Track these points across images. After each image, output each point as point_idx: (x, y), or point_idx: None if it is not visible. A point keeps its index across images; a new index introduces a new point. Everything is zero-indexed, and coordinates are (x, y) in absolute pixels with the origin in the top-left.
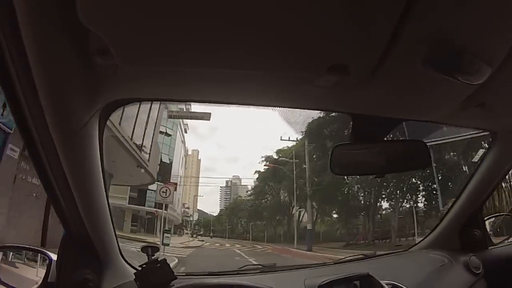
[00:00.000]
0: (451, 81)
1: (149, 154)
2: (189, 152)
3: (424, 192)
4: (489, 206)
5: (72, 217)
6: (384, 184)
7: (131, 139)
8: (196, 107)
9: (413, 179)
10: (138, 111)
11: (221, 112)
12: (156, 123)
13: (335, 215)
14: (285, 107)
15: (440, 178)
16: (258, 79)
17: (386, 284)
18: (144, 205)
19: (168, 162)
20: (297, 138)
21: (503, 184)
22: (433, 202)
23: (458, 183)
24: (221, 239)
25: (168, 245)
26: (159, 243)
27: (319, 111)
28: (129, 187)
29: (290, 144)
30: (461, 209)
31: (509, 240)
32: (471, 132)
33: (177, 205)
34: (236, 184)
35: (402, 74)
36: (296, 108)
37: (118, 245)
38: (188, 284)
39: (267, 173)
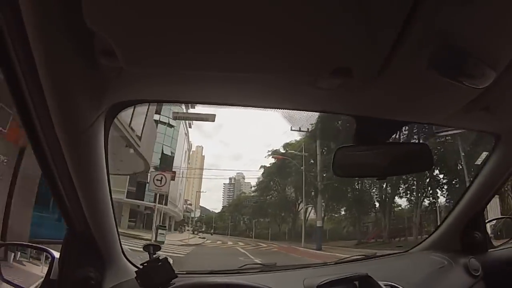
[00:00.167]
0: (455, 85)
1: (141, 132)
2: (193, 148)
3: (448, 186)
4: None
5: (76, 215)
6: (404, 177)
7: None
8: (200, 108)
9: (436, 171)
10: None
11: (226, 110)
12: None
13: (344, 212)
14: (288, 109)
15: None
16: (261, 81)
17: (384, 285)
18: (143, 200)
19: (170, 154)
20: (308, 129)
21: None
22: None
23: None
24: (222, 237)
25: (162, 243)
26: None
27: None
28: (127, 181)
29: (298, 137)
30: (463, 211)
31: (510, 243)
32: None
33: (178, 201)
34: (239, 181)
35: (406, 77)
36: (299, 110)
37: (120, 243)
38: (189, 283)
39: (273, 168)
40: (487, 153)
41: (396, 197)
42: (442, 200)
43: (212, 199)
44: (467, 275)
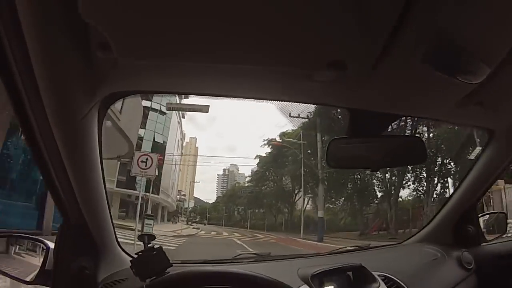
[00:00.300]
0: (449, 79)
1: (121, 106)
2: (187, 140)
3: (460, 175)
4: None
5: (70, 206)
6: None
7: None
8: (194, 99)
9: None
10: None
11: (220, 102)
12: None
13: (342, 203)
14: (283, 101)
15: None
16: (256, 73)
17: (378, 276)
18: (134, 190)
19: (161, 142)
20: (307, 116)
21: None
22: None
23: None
24: (217, 227)
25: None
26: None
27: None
28: (117, 170)
29: (295, 127)
30: (456, 205)
31: (502, 238)
32: None
33: (171, 191)
34: (234, 172)
35: (400, 71)
36: (294, 102)
37: (115, 233)
38: (183, 272)
39: (269, 157)
40: (481, 148)
41: (404, 186)
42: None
43: (206, 190)
44: (459, 268)
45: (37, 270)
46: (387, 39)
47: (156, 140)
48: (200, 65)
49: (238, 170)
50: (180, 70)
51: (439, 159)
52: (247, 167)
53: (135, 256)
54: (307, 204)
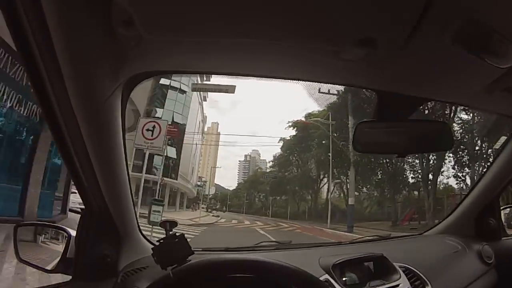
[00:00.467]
0: (478, 62)
1: None
2: (209, 125)
3: None
4: None
5: (93, 193)
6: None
7: None
8: (219, 79)
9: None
10: None
11: (243, 85)
12: None
13: (369, 190)
14: (309, 81)
15: None
16: (282, 50)
17: (399, 267)
18: (154, 175)
19: (181, 122)
20: (338, 92)
21: None
22: None
23: None
24: (237, 215)
25: (157, 224)
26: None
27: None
28: (133, 153)
29: (323, 106)
30: (479, 197)
31: None
32: None
33: (190, 176)
34: (255, 158)
35: (429, 51)
36: (321, 82)
37: (137, 220)
38: (205, 260)
39: (294, 140)
40: (506, 137)
41: (445, 171)
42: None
43: (228, 177)
44: (480, 262)
45: (59, 258)
46: (418, 16)
47: (175, 120)
48: (224, 42)
49: (259, 156)
50: (205, 48)
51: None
52: (268, 153)
53: (157, 243)
54: (333, 191)
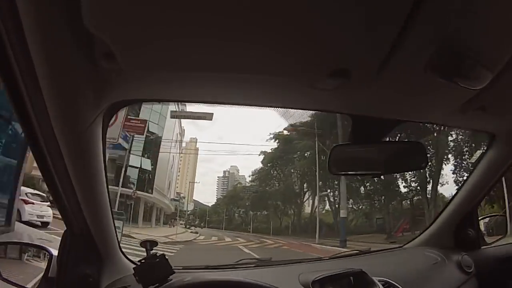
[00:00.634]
0: (452, 85)
1: None
2: (187, 139)
3: None
4: None
5: (74, 214)
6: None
7: None
8: (197, 107)
9: None
10: None
11: (220, 108)
12: None
13: (358, 202)
14: (284, 108)
15: None
16: (259, 81)
17: (379, 281)
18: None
19: (156, 132)
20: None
21: None
22: None
23: None
24: (217, 231)
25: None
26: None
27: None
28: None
29: (305, 119)
30: (457, 208)
31: (502, 240)
32: None
33: (167, 191)
34: (234, 174)
35: (403, 77)
36: (296, 109)
37: (118, 241)
38: (186, 280)
39: (276, 153)
40: (482, 151)
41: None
42: None
43: (207, 193)
44: (459, 271)
45: (40, 276)
46: (390, 47)
47: (150, 129)
48: (203, 74)
49: (238, 172)
50: (184, 79)
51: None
52: (247, 169)
53: (138, 263)
54: (318, 205)
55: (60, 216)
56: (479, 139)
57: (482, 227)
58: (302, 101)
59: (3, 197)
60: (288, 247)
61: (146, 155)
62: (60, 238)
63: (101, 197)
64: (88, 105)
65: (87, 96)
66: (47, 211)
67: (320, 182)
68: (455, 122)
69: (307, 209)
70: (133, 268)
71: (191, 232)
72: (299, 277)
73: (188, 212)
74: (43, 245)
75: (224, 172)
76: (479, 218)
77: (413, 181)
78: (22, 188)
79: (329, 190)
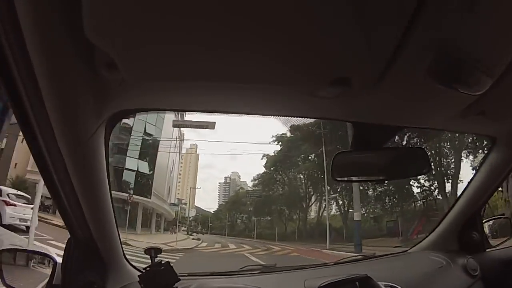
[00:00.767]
0: (452, 91)
1: None
2: (187, 146)
3: None
4: None
5: (78, 222)
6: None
7: None
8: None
9: None
10: None
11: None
12: None
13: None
14: (286, 116)
15: None
16: (260, 91)
17: (384, 286)
18: (119, 191)
19: (154, 134)
20: None
21: None
22: None
23: None
24: (220, 237)
25: None
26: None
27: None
28: None
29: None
30: (461, 211)
31: (507, 243)
32: None
33: (167, 196)
34: (235, 180)
35: (404, 85)
36: (298, 117)
37: (122, 248)
38: (193, 287)
39: (279, 156)
40: (484, 155)
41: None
42: None
43: (208, 200)
44: (465, 275)
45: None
46: (390, 55)
47: (147, 131)
48: (205, 84)
49: (239, 178)
50: (185, 88)
51: None
52: (248, 175)
53: (143, 271)
54: (324, 209)
55: (46, 221)
56: None
57: (486, 230)
58: (303, 109)
59: None
60: (297, 253)
61: (143, 157)
62: (43, 245)
63: (105, 205)
64: (90, 115)
65: (89, 106)
66: (30, 215)
67: (328, 187)
68: (456, 127)
69: (313, 214)
70: (138, 276)
71: (193, 238)
72: (304, 283)
73: (190, 219)
74: (47, 253)
75: (226, 178)
76: (483, 221)
77: (428, 180)
78: (4, 188)
79: (340, 192)
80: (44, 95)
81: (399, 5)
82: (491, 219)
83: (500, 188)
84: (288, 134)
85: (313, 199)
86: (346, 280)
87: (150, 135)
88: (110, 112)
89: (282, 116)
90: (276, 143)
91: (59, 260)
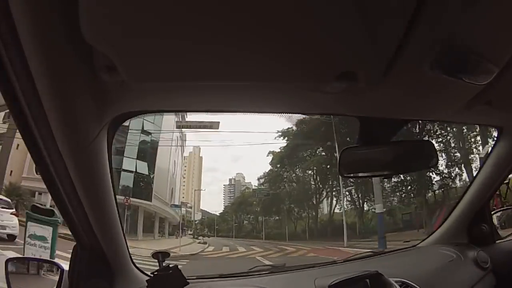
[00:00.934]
0: (457, 82)
1: None
2: (190, 150)
3: None
4: None
5: (83, 229)
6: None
7: None
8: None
9: None
10: None
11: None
12: None
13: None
14: (291, 113)
15: None
16: (265, 88)
17: (395, 282)
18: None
19: (152, 131)
20: None
21: None
22: None
23: None
24: (227, 240)
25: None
26: None
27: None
28: None
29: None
30: (469, 204)
31: None
32: None
33: (170, 199)
34: (240, 181)
35: (409, 77)
36: (304, 114)
37: (129, 253)
38: None
39: (286, 151)
40: (490, 146)
41: None
42: None
43: (213, 203)
44: (476, 267)
45: None
46: (396, 48)
47: (145, 128)
48: (208, 83)
49: (244, 179)
50: (188, 89)
51: None
52: (253, 176)
53: (151, 275)
54: (336, 204)
55: None
56: None
57: (495, 221)
58: (309, 105)
59: None
60: (314, 253)
61: (141, 157)
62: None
63: (110, 211)
64: (91, 119)
65: (89, 110)
66: (11, 221)
67: (342, 182)
68: (463, 118)
69: (325, 210)
70: (146, 281)
71: (199, 242)
72: (315, 282)
73: (196, 222)
74: (54, 261)
75: (230, 180)
76: (492, 213)
77: (450, 166)
78: None
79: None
80: (43, 99)
81: None
82: (499, 210)
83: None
84: (294, 128)
85: (323, 194)
86: (357, 277)
87: (148, 133)
88: (111, 115)
89: (288, 113)
90: (282, 138)
91: (66, 267)
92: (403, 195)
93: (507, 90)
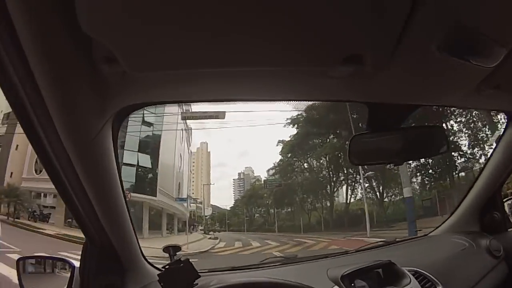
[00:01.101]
0: (466, 65)
1: None
2: (198, 145)
3: None
4: None
5: (92, 225)
6: None
7: None
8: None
9: None
10: None
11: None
12: None
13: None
14: (298, 100)
15: None
16: (270, 74)
17: (408, 271)
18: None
19: (154, 123)
20: None
21: None
22: None
23: None
24: (239, 234)
25: None
26: None
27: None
28: None
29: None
30: (480, 192)
31: None
32: None
33: (176, 194)
34: (249, 175)
35: (417, 60)
36: (309, 100)
37: (140, 247)
38: (214, 284)
39: (296, 139)
40: (500, 132)
41: None
42: None
43: (223, 197)
44: (489, 256)
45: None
46: (401, 29)
47: (145, 119)
48: (212, 71)
49: (253, 173)
50: (191, 77)
51: None
52: (262, 170)
53: (162, 269)
54: (351, 193)
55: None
56: None
57: (506, 209)
58: (316, 92)
59: None
60: (336, 245)
61: (143, 150)
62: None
63: (118, 206)
64: (94, 113)
65: (92, 103)
66: None
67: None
68: (472, 103)
69: (341, 200)
70: (158, 275)
71: (210, 238)
72: (327, 272)
73: (206, 217)
74: (64, 258)
75: (239, 174)
76: (504, 200)
77: (477, 145)
78: None
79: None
80: (44, 94)
81: None
82: (511, 198)
83: None
84: (304, 114)
85: (338, 183)
86: (369, 267)
87: (150, 124)
88: (115, 108)
89: (294, 100)
90: (292, 126)
91: (77, 264)
92: (425, 180)
93: None
